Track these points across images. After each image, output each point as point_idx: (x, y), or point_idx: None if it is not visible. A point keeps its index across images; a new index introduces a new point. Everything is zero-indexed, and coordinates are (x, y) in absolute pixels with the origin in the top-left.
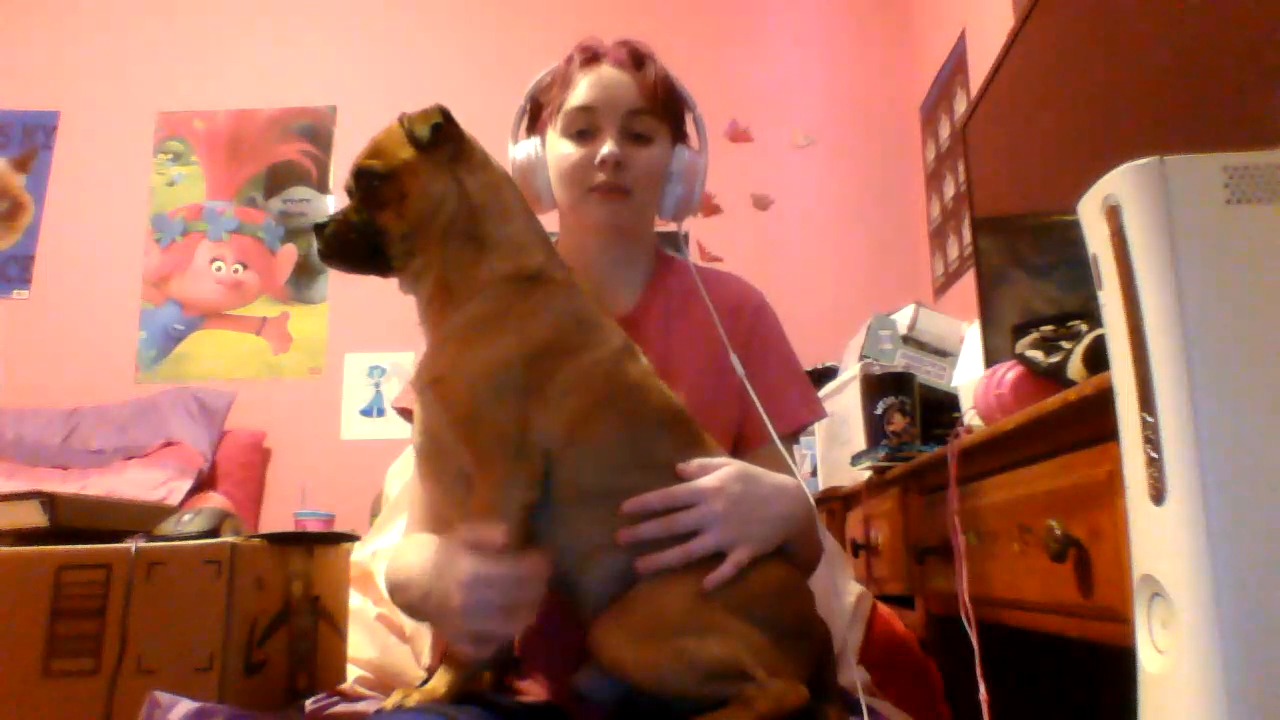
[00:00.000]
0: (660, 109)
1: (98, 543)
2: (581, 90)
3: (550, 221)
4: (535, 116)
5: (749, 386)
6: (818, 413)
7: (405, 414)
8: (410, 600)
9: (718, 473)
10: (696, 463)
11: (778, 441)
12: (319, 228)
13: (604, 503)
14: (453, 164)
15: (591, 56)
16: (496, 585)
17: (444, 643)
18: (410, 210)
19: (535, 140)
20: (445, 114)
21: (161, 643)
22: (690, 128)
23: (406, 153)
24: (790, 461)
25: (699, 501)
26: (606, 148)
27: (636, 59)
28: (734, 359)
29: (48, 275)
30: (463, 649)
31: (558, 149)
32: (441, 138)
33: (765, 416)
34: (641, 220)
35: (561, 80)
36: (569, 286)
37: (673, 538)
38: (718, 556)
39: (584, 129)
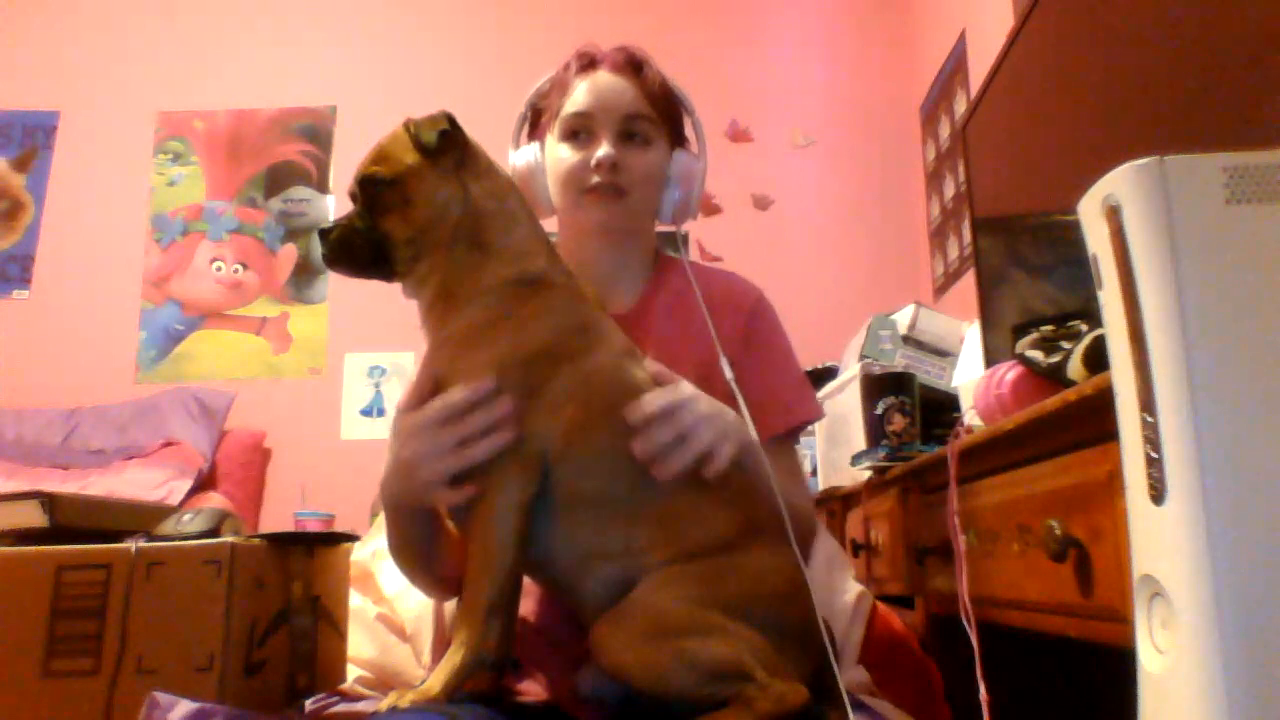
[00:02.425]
0: (658, 112)
1: (98, 543)
2: (578, 96)
3: (551, 226)
4: (535, 123)
5: (735, 389)
6: (812, 413)
7: None
8: (386, 502)
9: (683, 382)
10: (656, 370)
11: (757, 440)
12: (324, 233)
13: (602, 509)
14: (458, 170)
15: (589, 62)
16: (444, 420)
17: (443, 643)
18: (415, 216)
19: (535, 146)
20: (451, 120)
21: (161, 643)
22: (689, 132)
23: (412, 158)
24: (797, 461)
25: (687, 405)
26: (602, 150)
27: (634, 64)
28: (724, 362)
29: (48, 275)
30: (441, 497)
31: (555, 153)
32: (447, 144)
33: (760, 414)
34: (639, 221)
35: (559, 86)
36: (571, 292)
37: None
38: (708, 546)
39: (581, 133)
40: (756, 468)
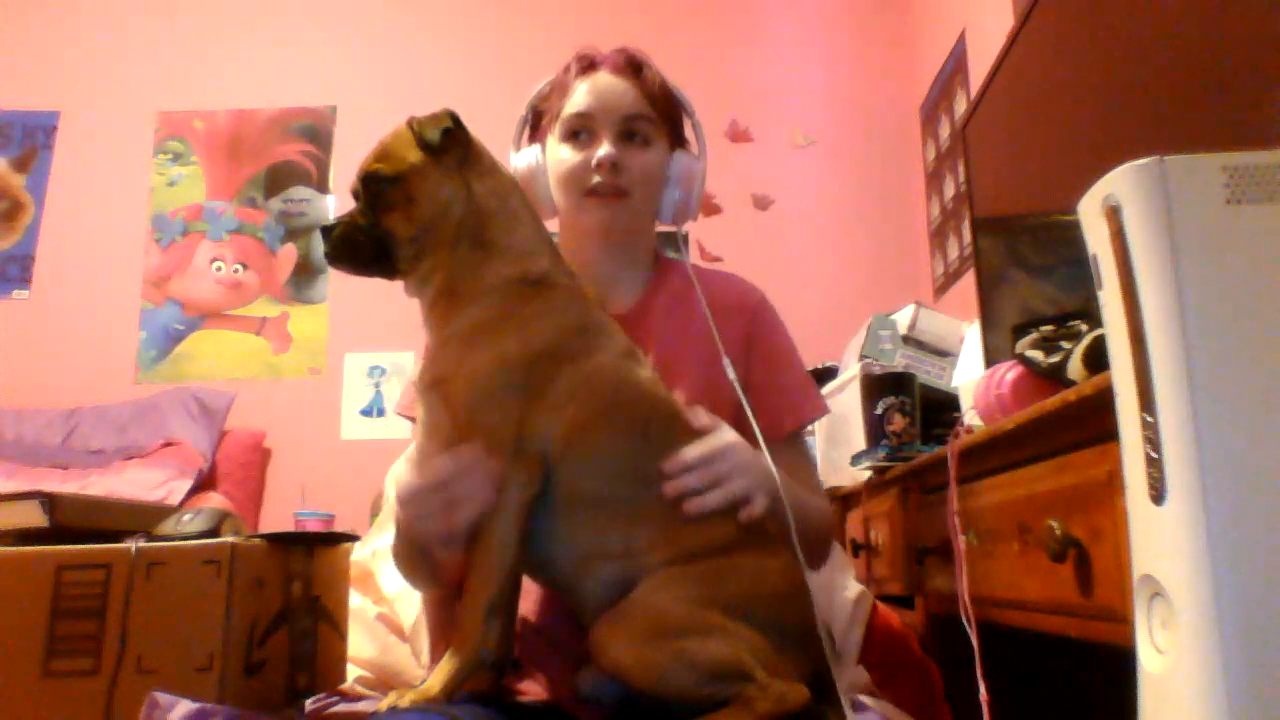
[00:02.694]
0: (658, 113)
1: (98, 543)
2: (579, 97)
3: (553, 228)
4: (536, 125)
5: (739, 389)
6: (820, 409)
7: (409, 418)
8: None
9: (724, 430)
10: (706, 417)
11: (763, 442)
12: (326, 230)
13: (602, 509)
14: (461, 168)
15: (589, 64)
16: (430, 488)
17: (441, 643)
18: (418, 214)
19: (536, 148)
20: (454, 118)
21: (161, 643)
22: (689, 133)
23: (415, 156)
24: (809, 457)
25: (727, 454)
26: (603, 149)
27: (633, 65)
28: (725, 361)
29: (48, 275)
30: (440, 553)
31: (556, 154)
32: (450, 142)
33: (769, 414)
34: (640, 222)
35: (559, 88)
36: (573, 292)
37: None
38: (708, 547)
39: (581, 134)
40: (782, 519)
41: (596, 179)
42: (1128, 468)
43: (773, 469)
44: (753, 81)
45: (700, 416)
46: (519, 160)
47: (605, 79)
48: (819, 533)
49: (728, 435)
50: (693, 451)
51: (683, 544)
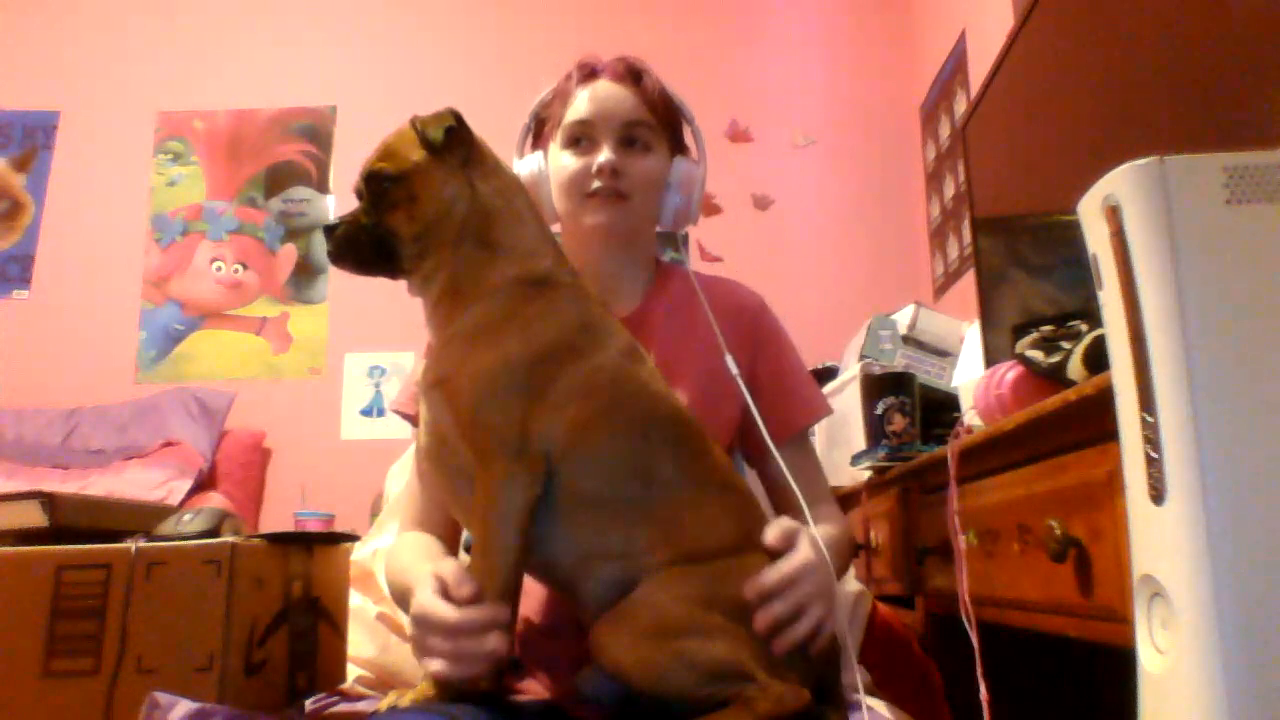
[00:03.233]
0: (657, 119)
1: (98, 543)
2: (580, 104)
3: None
4: (539, 133)
5: (744, 389)
6: (827, 407)
7: (404, 416)
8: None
9: (803, 545)
10: (779, 533)
11: (775, 449)
12: (329, 229)
13: (603, 510)
14: (464, 167)
15: (589, 72)
16: (440, 631)
17: None
18: (421, 213)
19: (539, 155)
20: (458, 117)
21: (161, 643)
22: (688, 140)
23: (418, 155)
24: (815, 457)
25: (806, 576)
26: (603, 155)
27: (633, 73)
28: (729, 360)
29: (48, 275)
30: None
31: (558, 161)
32: (454, 141)
33: (779, 413)
34: (641, 226)
35: (561, 96)
36: (575, 291)
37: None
38: (710, 548)
39: (582, 140)
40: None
41: (597, 184)
42: (1128, 468)
43: (755, 418)
44: (753, 81)
45: (771, 533)
46: (522, 167)
47: (606, 86)
48: (845, 563)
49: (803, 552)
50: (774, 575)
51: (683, 544)
